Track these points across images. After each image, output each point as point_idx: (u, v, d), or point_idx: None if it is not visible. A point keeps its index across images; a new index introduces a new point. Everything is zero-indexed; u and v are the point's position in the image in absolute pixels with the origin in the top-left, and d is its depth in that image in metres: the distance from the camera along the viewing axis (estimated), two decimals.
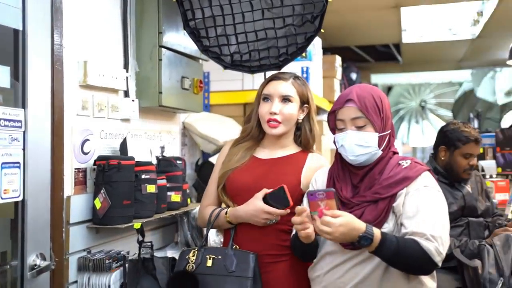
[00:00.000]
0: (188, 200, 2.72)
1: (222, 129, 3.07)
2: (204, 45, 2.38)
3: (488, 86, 9.80)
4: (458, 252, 2.21)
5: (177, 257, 2.32)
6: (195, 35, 2.36)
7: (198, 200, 2.96)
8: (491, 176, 3.69)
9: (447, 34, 5.15)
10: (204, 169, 2.99)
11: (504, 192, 3.43)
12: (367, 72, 7.43)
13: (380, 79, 9.33)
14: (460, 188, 2.54)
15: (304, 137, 1.97)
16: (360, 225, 1.47)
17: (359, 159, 1.64)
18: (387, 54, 6.30)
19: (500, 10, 4.20)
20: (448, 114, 11.10)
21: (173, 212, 2.45)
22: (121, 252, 2.09)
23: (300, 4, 2.26)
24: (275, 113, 1.89)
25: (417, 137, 11.58)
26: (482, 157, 3.81)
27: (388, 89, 10.84)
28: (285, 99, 1.91)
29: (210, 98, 3.34)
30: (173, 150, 2.87)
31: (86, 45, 2.12)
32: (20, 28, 1.73)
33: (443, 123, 9.49)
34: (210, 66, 3.13)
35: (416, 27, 4.83)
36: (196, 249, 1.88)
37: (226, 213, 1.90)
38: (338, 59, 4.13)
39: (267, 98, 1.92)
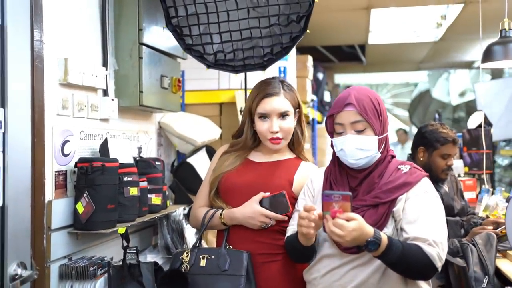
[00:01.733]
0: (167, 202, 2.65)
1: (199, 129, 3.02)
2: (186, 43, 2.32)
3: (442, 87, 10.14)
4: None
5: (158, 262, 2.28)
6: (177, 33, 2.30)
7: (176, 202, 2.89)
8: (458, 176, 3.80)
9: (411, 36, 5.27)
10: (181, 170, 2.92)
11: (472, 190, 3.54)
12: (331, 72, 7.51)
13: (341, 79, 9.46)
14: (438, 188, 2.59)
15: (296, 140, 2.00)
16: (369, 230, 1.46)
17: (359, 163, 1.64)
18: (351, 55, 6.38)
19: (464, 15, 4.34)
20: (404, 113, 11.41)
21: (155, 215, 2.38)
22: (105, 258, 2.00)
23: (286, 4, 2.24)
24: (276, 132, 1.88)
25: None
26: None
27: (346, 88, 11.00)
28: (283, 114, 1.90)
29: (185, 97, 3.27)
30: (150, 150, 2.79)
31: (65, 42, 2.02)
32: None
33: (400, 123, 9.67)
34: (186, 64, 3.07)
35: (382, 28, 4.92)
36: (189, 249, 1.86)
37: (220, 214, 1.89)
38: (310, 59, 4.15)
39: (264, 116, 1.90)
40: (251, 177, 1.91)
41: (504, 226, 2.41)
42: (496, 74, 7.60)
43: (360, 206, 1.62)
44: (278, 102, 1.90)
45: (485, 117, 3.67)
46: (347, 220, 1.43)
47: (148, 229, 2.71)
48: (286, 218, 1.82)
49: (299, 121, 1.99)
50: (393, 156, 1.74)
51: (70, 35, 2.05)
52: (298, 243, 1.64)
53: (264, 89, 1.93)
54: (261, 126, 1.91)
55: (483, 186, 3.62)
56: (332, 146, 1.73)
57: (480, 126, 3.71)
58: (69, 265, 1.89)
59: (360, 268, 1.60)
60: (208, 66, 2.36)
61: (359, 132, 1.63)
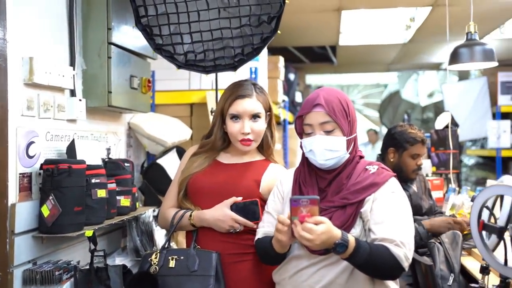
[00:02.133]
0: (137, 204, 2.61)
1: (170, 130, 2.98)
2: (156, 43, 2.28)
3: (412, 88, 10.34)
4: None
5: (127, 264, 2.24)
6: (147, 32, 2.26)
7: (145, 204, 2.85)
8: (426, 175, 3.87)
9: (381, 38, 5.35)
10: (151, 171, 2.88)
11: (439, 190, 3.61)
12: (303, 72, 7.55)
13: (313, 79, 9.53)
14: (407, 188, 2.63)
15: (265, 143, 1.99)
16: (337, 232, 1.46)
17: (328, 163, 1.64)
18: (322, 55, 6.43)
19: (431, 18, 4.42)
20: (375, 114, 11.58)
21: (124, 217, 2.34)
22: (71, 262, 1.96)
23: (257, 5, 2.23)
24: (248, 133, 1.88)
25: None
26: None
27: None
28: (255, 116, 1.91)
29: (155, 97, 3.23)
30: (119, 152, 2.75)
31: (30, 40, 1.97)
32: None
33: (370, 123, 9.80)
34: (156, 65, 3.03)
35: (353, 30, 4.97)
36: (158, 251, 1.84)
37: (190, 215, 1.87)
38: (281, 60, 4.15)
39: (236, 117, 1.90)
40: (219, 179, 1.91)
41: None
42: (463, 75, 7.79)
43: (328, 207, 1.62)
44: (250, 104, 1.90)
45: (452, 118, 3.75)
46: (316, 223, 1.43)
47: (116, 232, 2.67)
48: (255, 226, 1.83)
49: (269, 124, 1.99)
50: (361, 157, 1.75)
51: (35, 34, 2.00)
52: (272, 249, 1.64)
53: (236, 91, 1.93)
54: (233, 127, 1.90)
55: (449, 185, 3.70)
56: (301, 147, 1.73)
57: (447, 126, 3.79)
58: (33, 270, 1.84)
59: (328, 268, 1.61)
60: (179, 67, 2.33)
61: (328, 132, 1.64)
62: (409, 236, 1.58)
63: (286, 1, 2.21)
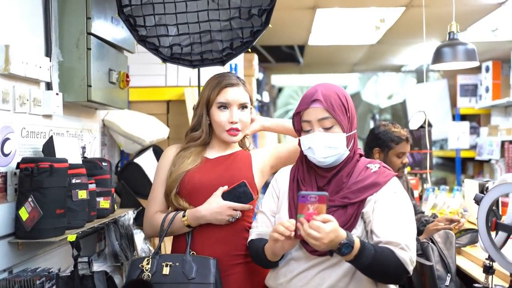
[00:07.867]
0: (115, 206, 2.46)
1: (147, 128, 2.84)
2: (140, 34, 2.16)
3: (372, 89, 10.50)
4: None
5: (106, 270, 2.10)
6: (130, 23, 2.13)
7: (122, 205, 2.69)
8: None
9: (350, 39, 5.35)
10: (128, 171, 2.73)
11: (415, 189, 3.62)
12: (269, 72, 7.48)
13: (277, 80, 9.50)
14: None
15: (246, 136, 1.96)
16: (342, 232, 1.40)
17: (327, 161, 1.57)
18: (289, 55, 6.37)
19: (403, 19, 4.45)
20: None
21: (104, 220, 2.19)
22: (51, 270, 1.80)
23: None
24: (236, 122, 1.82)
25: None
26: None
27: (279, 90, 11.08)
28: (243, 106, 1.85)
29: (130, 94, 3.07)
30: (94, 150, 2.58)
31: (5, 27, 1.79)
32: None
33: None
34: (130, 59, 2.88)
35: (323, 29, 4.94)
36: (150, 256, 1.72)
37: (183, 216, 1.75)
38: (256, 58, 4.07)
39: (224, 106, 1.83)
40: (213, 175, 1.82)
41: (456, 223, 2.47)
42: (421, 77, 7.94)
43: (328, 206, 1.55)
44: (239, 93, 1.85)
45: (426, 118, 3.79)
46: (324, 222, 1.37)
47: (91, 236, 2.50)
48: (252, 206, 1.80)
49: None
50: (361, 155, 1.69)
51: (9, 20, 1.82)
52: (263, 255, 1.59)
53: (224, 79, 1.86)
54: (220, 116, 1.82)
55: (424, 185, 3.73)
56: (299, 144, 1.66)
57: (422, 127, 3.82)
58: (10, 280, 1.67)
59: (329, 271, 1.54)
60: (164, 60, 2.21)
61: (327, 129, 1.57)
62: (412, 238, 1.53)
63: None
